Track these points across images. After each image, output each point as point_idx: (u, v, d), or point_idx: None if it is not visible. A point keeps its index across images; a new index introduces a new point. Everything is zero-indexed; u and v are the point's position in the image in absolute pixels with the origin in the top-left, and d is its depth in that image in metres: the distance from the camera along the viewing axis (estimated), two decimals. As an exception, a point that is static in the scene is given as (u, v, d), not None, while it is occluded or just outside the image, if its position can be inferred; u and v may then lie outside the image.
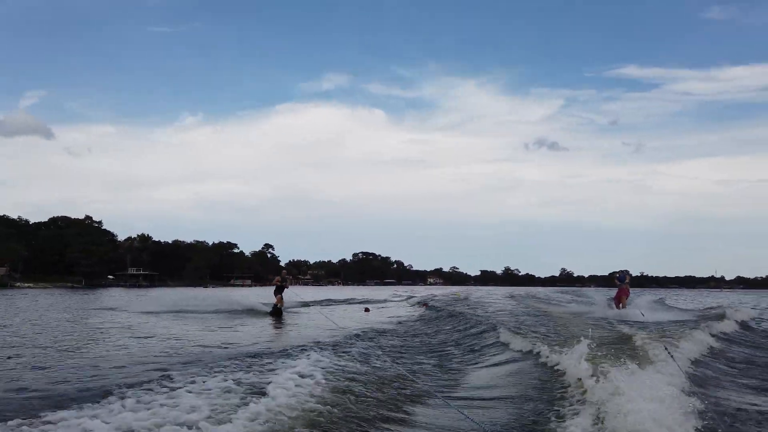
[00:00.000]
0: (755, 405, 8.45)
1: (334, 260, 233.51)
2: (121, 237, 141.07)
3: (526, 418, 7.54)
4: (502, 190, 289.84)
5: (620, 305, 28.06)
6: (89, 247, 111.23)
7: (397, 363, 11.86)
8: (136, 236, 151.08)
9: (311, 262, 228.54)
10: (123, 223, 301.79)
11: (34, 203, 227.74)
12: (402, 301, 50.26)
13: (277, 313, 27.19)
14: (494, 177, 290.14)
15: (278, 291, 28.06)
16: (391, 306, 41.31)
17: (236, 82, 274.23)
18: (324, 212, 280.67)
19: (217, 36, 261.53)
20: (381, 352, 13.56)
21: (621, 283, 29.19)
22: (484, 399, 9.08)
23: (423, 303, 39.55)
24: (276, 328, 22.08)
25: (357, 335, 17.60)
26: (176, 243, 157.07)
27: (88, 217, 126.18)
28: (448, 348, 15.78)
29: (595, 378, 7.87)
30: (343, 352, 12.96)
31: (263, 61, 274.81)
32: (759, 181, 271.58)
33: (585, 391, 7.80)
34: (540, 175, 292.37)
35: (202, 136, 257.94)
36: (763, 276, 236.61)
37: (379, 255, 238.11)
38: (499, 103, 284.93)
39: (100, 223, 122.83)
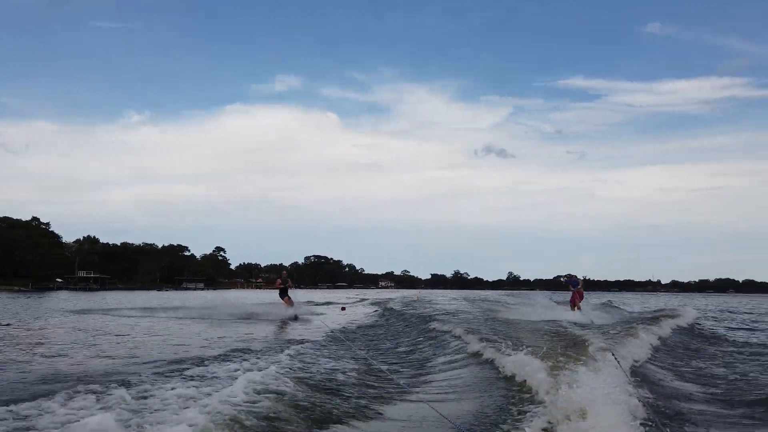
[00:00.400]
0: (695, 402, 8.82)
1: (286, 263, 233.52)
2: (65, 239, 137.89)
3: (486, 415, 7.65)
4: (452, 196, 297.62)
5: (575, 308, 28.63)
6: (37, 249, 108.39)
7: (374, 359, 12.85)
8: (82, 238, 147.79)
9: (262, 266, 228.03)
10: (64, 223, 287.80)
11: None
12: (359, 302, 52.47)
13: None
14: (444, 183, 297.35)
15: (283, 293, 27.85)
16: (357, 306, 43.81)
17: (184, 80, 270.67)
18: (275, 215, 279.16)
19: (164, 33, 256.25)
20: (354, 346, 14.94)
21: (574, 288, 29.67)
22: (447, 393, 9.40)
23: (383, 305, 41.77)
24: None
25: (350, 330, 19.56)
26: (125, 245, 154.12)
27: (35, 218, 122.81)
28: (404, 347, 16.16)
29: (547, 380, 7.99)
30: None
31: (213, 61, 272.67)
32: (694, 190, 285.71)
33: (536, 394, 7.89)
34: (488, 182, 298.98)
35: (149, 135, 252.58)
36: (696, 280, 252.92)
37: (332, 258, 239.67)
38: (450, 110, 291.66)
39: (48, 224, 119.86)
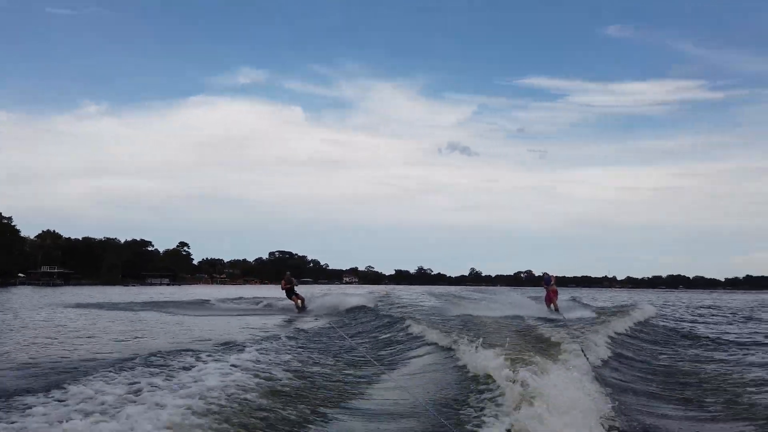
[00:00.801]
0: (657, 398, 9.24)
1: (250, 259, 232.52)
2: (22, 233, 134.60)
3: (452, 399, 8.09)
4: (417, 193, 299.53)
5: (551, 305, 28.51)
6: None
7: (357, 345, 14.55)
8: (42, 232, 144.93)
9: (226, 261, 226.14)
10: (18, 217, 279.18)
11: None
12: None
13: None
14: (409, 179, 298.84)
15: (290, 293, 29.07)
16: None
17: (145, 71, 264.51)
18: (238, 210, 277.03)
19: (123, 21, 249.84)
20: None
21: (548, 285, 29.49)
22: (420, 380, 10.28)
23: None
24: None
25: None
26: (87, 240, 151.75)
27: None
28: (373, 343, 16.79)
29: (512, 376, 7.96)
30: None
31: (174, 51, 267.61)
32: (648, 190, 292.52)
33: (503, 390, 7.82)
34: (452, 179, 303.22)
35: (107, 126, 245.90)
36: (650, 276, 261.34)
37: (296, 254, 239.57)
38: (415, 106, 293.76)
39: (9, 219, 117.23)
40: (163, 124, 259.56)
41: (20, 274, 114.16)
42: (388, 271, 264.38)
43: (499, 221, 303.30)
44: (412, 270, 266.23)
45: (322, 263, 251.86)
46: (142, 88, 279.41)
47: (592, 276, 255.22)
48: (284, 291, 29.22)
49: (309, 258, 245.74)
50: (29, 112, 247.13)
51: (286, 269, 36.69)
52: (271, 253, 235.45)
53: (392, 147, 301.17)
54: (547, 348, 12.06)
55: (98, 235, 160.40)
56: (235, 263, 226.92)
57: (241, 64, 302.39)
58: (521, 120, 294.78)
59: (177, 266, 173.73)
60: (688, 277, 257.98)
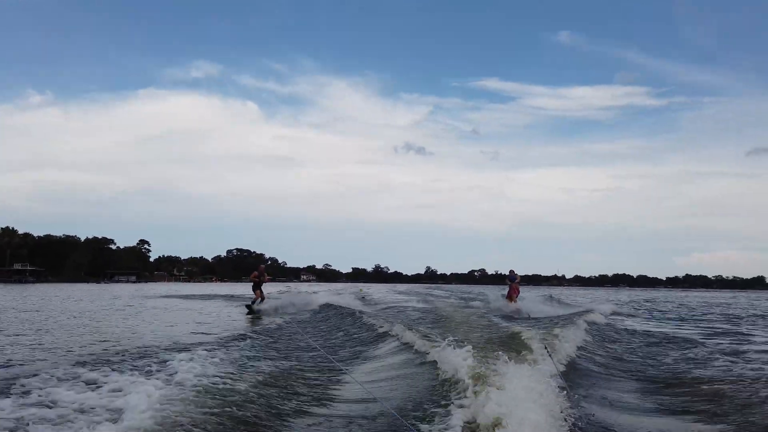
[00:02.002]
0: (621, 398, 9.17)
1: (207, 257, 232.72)
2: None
3: (413, 398, 8.12)
4: (372, 191, 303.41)
5: (512, 302, 29.40)
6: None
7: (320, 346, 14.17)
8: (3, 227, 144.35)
9: (183, 259, 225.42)
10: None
11: None
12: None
13: (250, 310, 27.68)
14: (365, 178, 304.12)
15: (256, 287, 28.87)
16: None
17: (91, 60, 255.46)
18: (191, 207, 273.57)
19: (69, 9, 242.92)
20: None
21: (512, 282, 30.63)
22: (382, 381, 10.06)
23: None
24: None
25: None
26: (48, 237, 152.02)
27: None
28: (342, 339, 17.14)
29: (475, 374, 7.89)
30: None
31: (123, 41, 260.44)
32: (594, 191, 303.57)
33: (465, 388, 7.67)
34: (408, 178, 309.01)
35: (50, 117, 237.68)
36: (596, 275, 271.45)
37: (254, 252, 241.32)
38: (370, 105, 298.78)
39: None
40: (109, 115, 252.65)
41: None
42: (345, 269, 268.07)
43: (452, 220, 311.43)
44: (369, 268, 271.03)
45: (280, 261, 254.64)
46: (87, 78, 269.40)
47: (542, 275, 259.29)
48: (252, 283, 29.11)
49: (267, 256, 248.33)
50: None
51: (251, 267, 36.10)
52: (229, 251, 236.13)
53: (348, 145, 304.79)
54: (510, 344, 12.21)
55: (41, 231, 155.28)
56: (193, 261, 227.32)
57: (193, 57, 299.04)
58: (474, 121, 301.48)
59: (137, 264, 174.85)
60: (633, 276, 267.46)
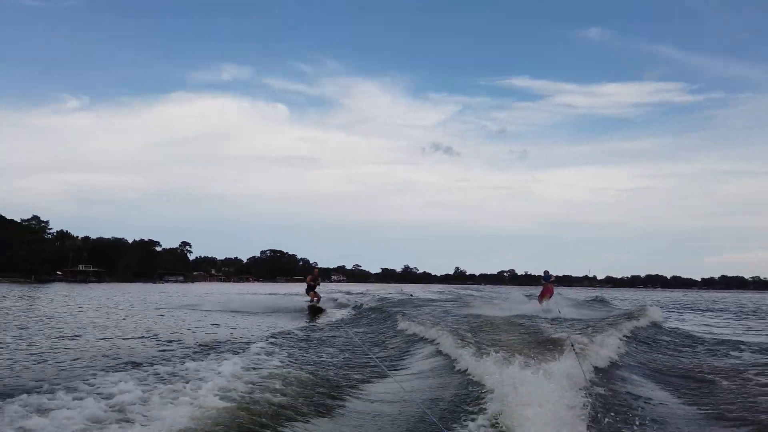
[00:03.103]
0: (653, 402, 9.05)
1: (242, 257, 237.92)
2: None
3: (443, 406, 8.25)
4: (400, 192, 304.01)
5: (542, 302, 28.75)
6: (33, 244, 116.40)
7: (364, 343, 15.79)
8: (56, 232, 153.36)
9: (219, 259, 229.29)
10: None
11: None
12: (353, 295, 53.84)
13: (314, 308, 29.65)
14: (392, 178, 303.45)
15: (310, 289, 30.66)
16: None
17: (124, 66, 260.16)
18: (224, 208, 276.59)
19: (101, 15, 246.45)
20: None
21: (546, 282, 29.71)
22: (420, 379, 10.76)
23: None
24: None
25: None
26: (101, 240, 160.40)
27: (35, 217, 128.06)
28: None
29: (501, 376, 8.02)
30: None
31: (154, 46, 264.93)
32: (624, 190, 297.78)
33: (489, 390, 7.96)
34: (435, 178, 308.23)
35: (85, 121, 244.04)
36: (629, 276, 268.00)
37: (287, 252, 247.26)
38: (399, 105, 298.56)
39: (47, 222, 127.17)
40: (142, 119, 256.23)
41: (58, 272, 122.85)
42: (375, 269, 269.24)
43: (480, 220, 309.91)
44: (398, 269, 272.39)
45: (311, 262, 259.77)
46: (120, 83, 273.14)
47: (573, 275, 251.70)
48: (307, 285, 31.24)
49: (299, 257, 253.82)
50: (6, 106, 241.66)
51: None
52: (263, 252, 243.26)
53: (376, 145, 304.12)
54: (542, 348, 12.21)
55: (85, 233, 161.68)
56: (227, 262, 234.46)
57: (223, 60, 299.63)
58: (502, 120, 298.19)
59: (177, 265, 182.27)
60: (666, 277, 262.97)
